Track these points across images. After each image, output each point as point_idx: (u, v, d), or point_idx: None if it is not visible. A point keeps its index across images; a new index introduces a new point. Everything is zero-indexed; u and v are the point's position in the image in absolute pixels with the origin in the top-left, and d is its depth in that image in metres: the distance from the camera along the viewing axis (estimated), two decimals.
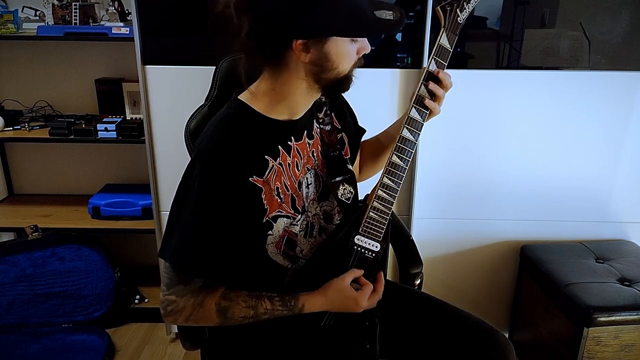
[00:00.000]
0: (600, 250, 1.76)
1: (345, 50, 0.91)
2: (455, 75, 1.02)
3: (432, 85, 0.99)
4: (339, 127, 1.13)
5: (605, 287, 1.54)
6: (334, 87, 0.96)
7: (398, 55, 1.65)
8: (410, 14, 1.60)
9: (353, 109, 1.22)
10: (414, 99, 1.00)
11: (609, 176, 1.78)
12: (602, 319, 1.45)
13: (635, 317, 1.47)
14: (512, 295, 1.93)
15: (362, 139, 1.24)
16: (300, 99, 0.98)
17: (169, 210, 0.96)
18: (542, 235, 1.84)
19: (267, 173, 0.97)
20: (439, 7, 0.98)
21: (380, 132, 1.25)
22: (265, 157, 0.97)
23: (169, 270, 0.96)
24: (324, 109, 1.10)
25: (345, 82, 0.95)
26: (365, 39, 0.94)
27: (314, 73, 0.92)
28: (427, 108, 1.00)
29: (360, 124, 1.23)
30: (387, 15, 0.90)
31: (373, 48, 1.64)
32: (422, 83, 0.99)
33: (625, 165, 1.76)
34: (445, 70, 1.00)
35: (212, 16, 0.92)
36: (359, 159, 1.27)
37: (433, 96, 1.00)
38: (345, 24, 0.87)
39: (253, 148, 0.95)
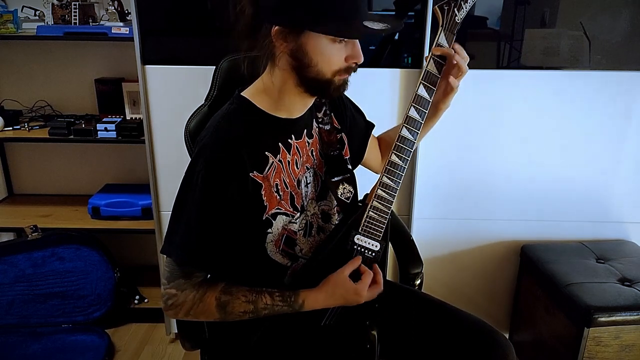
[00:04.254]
0: (600, 250, 1.76)
1: (325, 50, 0.90)
2: None
3: (457, 57, 0.98)
4: (339, 128, 1.13)
5: (606, 287, 1.54)
6: (317, 89, 0.95)
7: (398, 55, 1.65)
8: (411, 13, 1.60)
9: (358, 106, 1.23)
10: (413, 98, 1.00)
11: (609, 176, 1.77)
12: (603, 319, 1.45)
13: (636, 317, 1.47)
14: (512, 295, 1.93)
15: (376, 133, 1.27)
16: (293, 97, 0.98)
17: (172, 206, 0.96)
18: (542, 235, 1.84)
19: (267, 169, 0.97)
20: (436, 7, 0.98)
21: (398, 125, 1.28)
22: (266, 153, 0.97)
23: (171, 264, 0.96)
24: (324, 108, 1.11)
25: (328, 87, 0.94)
26: (357, 47, 0.92)
27: (294, 67, 0.92)
28: (426, 107, 1.00)
29: None
30: (377, 25, 0.90)
31: (372, 48, 1.66)
32: (420, 82, 0.99)
33: (626, 165, 1.76)
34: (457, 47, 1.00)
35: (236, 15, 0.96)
36: (379, 151, 1.29)
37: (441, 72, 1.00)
38: (318, 20, 0.87)
39: (254, 143, 0.96)
